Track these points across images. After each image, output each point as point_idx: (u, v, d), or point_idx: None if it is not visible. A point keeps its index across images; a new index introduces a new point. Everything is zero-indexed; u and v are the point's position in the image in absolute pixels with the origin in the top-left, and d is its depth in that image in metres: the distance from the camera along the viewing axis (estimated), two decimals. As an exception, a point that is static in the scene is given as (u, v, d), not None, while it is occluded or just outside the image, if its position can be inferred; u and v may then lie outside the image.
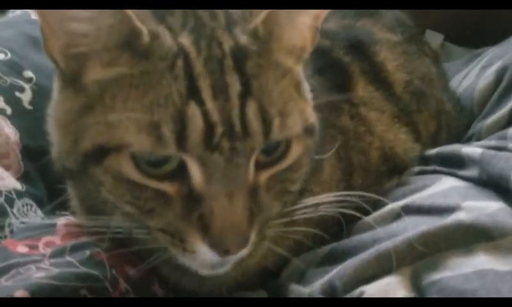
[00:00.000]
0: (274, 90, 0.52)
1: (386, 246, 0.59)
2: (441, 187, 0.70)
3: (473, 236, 0.57)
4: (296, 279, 0.68)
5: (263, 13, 0.53)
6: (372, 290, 0.56)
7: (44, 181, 0.84)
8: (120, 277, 0.64)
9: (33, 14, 1.02)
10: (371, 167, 0.76)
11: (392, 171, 0.79)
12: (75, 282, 0.59)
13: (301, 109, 0.55)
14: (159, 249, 0.58)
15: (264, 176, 0.54)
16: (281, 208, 0.57)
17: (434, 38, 1.52)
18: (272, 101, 0.51)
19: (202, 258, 0.52)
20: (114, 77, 0.51)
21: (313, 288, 0.62)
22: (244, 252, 0.52)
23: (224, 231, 0.50)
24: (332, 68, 0.78)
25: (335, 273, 0.61)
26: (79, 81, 0.53)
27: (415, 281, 0.56)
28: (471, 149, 0.73)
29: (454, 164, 0.75)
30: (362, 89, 0.79)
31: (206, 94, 0.49)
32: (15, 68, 0.86)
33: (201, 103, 0.49)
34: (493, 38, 1.22)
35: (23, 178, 0.80)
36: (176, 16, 0.54)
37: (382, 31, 0.89)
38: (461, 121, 0.97)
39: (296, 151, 0.55)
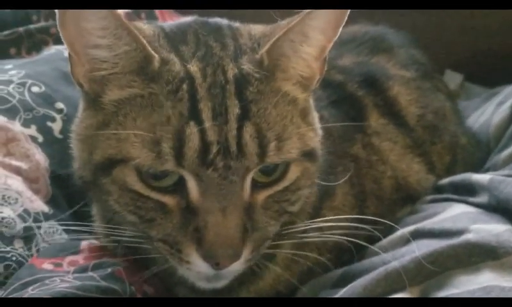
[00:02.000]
0: (273, 115, 0.55)
1: (394, 266, 0.61)
2: (452, 213, 0.72)
3: (480, 255, 0.58)
4: (309, 300, 0.69)
5: (268, 44, 0.57)
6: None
7: (70, 206, 0.88)
8: (138, 293, 0.67)
9: (66, 51, 1.09)
10: (384, 195, 0.77)
11: (405, 200, 0.80)
12: (95, 293, 0.62)
13: (302, 134, 0.58)
14: (161, 259, 0.61)
15: (262, 196, 0.57)
16: (277, 228, 0.59)
17: (454, 78, 1.55)
18: (270, 125, 0.55)
19: (197, 270, 0.56)
20: (128, 97, 0.56)
21: (324, 307, 0.63)
22: (237, 266, 0.55)
23: (216, 244, 0.53)
24: (346, 101, 0.81)
25: (345, 292, 0.62)
26: (99, 101, 0.58)
27: (423, 299, 0.57)
28: (481, 176, 0.75)
29: (465, 191, 0.77)
30: (375, 121, 0.82)
31: (206, 115, 0.53)
32: (47, 100, 0.92)
33: (200, 123, 0.53)
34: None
35: (50, 202, 0.85)
36: (189, 45, 0.59)
37: (396, 67, 0.92)
38: (476, 154, 0.98)
39: (293, 173, 0.58)
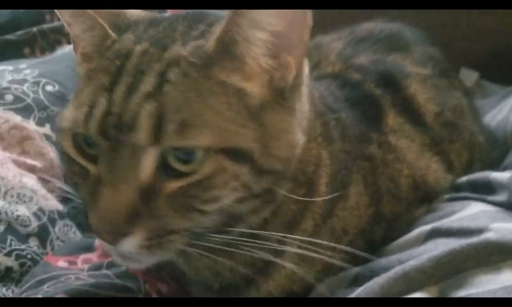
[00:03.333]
0: (190, 100, 0.52)
1: (412, 264, 0.59)
2: (470, 212, 0.70)
3: (500, 254, 0.56)
4: (325, 300, 0.68)
5: (218, 31, 0.54)
6: (397, 306, 0.56)
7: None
8: (152, 291, 0.67)
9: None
10: (401, 194, 0.76)
11: (422, 200, 0.79)
12: (110, 291, 0.62)
13: (230, 129, 0.53)
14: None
15: (173, 185, 0.53)
16: (189, 225, 0.55)
17: (470, 76, 1.53)
18: (179, 108, 0.52)
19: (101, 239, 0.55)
20: (86, 71, 0.58)
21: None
22: (129, 246, 0.53)
23: (100, 217, 0.52)
24: (363, 100, 0.80)
25: (361, 291, 0.61)
26: None
27: (442, 299, 0.56)
28: (500, 175, 0.73)
29: (483, 190, 0.75)
30: (392, 120, 0.80)
31: (119, 88, 0.53)
32: (61, 98, 0.93)
33: (111, 93, 0.53)
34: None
35: (65, 200, 0.85)
36: (157, 28, 0.59)
37: (412, 65, 0.90)
38: (494, 153, 0.96)
39: (207, 168, 0.53)
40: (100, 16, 0.59)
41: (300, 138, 0.60)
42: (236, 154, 0.53)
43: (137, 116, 0.51)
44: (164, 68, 0.54)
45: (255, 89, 0.56)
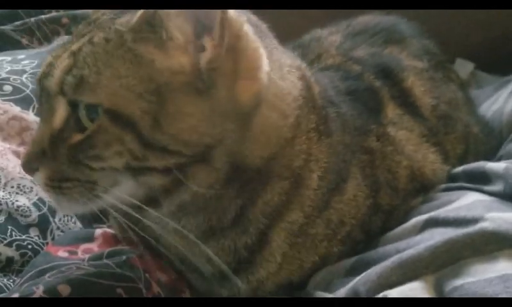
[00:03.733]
0: (96, 61, 0.57)
1: (409, 254, 0.61)
2: (466, 201, 0.71)
3: (496, 243, 0.57)
4: (322, 288, 0.69)
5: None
6: (394, 294, 0.58)
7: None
8: (152, 280, 0.68)
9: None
10: (399, 185, 0.77)
11: (419, 190, 0.80)
12: (111, 281, 0.62)
13: (123, 95, 0.56)
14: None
15: (76, 138, 0.58)
16: (80, 176, 0.59)
17: (465, 66, 1.53)
18: (82, 66, 0.57)
19: None
20: None
21: (338, 295, 0.64)
22: (37, 179, 0.60)
23: (24, 152, 0.62)
24: (364, 91, 0.81)
25: (359, 280, 0.62)
26: None
27: (438, 287, 0.58)
28: (495, 165, 0.74)
29: (479, 180, 0.76)
30: (391, 112, 0.81)
31: (60, 48, 0.61)
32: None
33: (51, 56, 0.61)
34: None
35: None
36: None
37: (409, 58, 0.92)
38: (489, 144, 0.98)
39: (93, 126, 0.57)
40: None
41: (219, 127, 0.59)
42: (119, 118, 0.56)
43: (55, 67, 0.58)
44: (91, 34, 0.59)
45: (166, 64, 0.57)
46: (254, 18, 0.69)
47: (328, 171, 0.69)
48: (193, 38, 0.57)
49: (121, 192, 0.60)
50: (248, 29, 0.61)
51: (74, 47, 0.59)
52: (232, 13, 0.58)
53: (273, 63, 0.65)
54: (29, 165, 0.60)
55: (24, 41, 1.15)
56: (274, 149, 0.65)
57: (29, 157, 0.60)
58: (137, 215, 0.61)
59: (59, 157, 0.59)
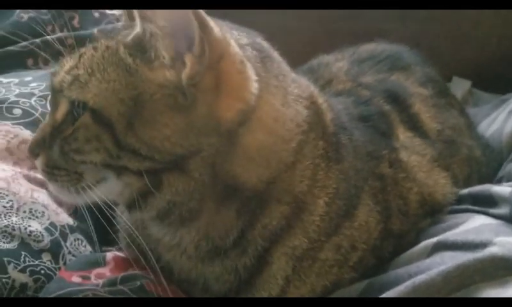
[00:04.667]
0: (93, 66, 0.63)
1: (421, 279, 0.62)
2: (473, 225, 0.73)
3: (506, 269, 0.59)
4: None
5: (137, 30, 0.63)
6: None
7: (92, 217, 0.89)
8: (166, 305, 0.68)
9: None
10: (410, 210, 0.78)
11: (429, 213, 0.81)
12: (129, 307, 0.63)
13: (106, 97, 0.62)
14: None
15: (69, 131, 0.64)
16: (67, 167, 0.65)
17: (462, 85, 1.56)
18: (80, 68, 0.63)
19: None
20: None
21: (351, 320, 0.65)
22: (38, 164, 0.67)
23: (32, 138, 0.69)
24: (375, 115, 0.83)
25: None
26: None
27: (451, 312, 0.59)
28: (501, 189, 0.76)
29: (485, 203, 0.78)
30: (402, 135, 0.84)
31: (66, 59, 0.67)
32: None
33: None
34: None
35: (73, 214, 0.86)
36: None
37: (414, 85, 0.95)
38: (490, 165, 1.00)
39: (78, 122, 0.63)
40: None
41: (195, 139, 0.62)
42: (99, 117, 0.62)
43: (61, 67, 0.66)
44: (96, 43, 0.66)
45: (150, 77, 0.61)
46: (262, 42, 0.71)
47: (337, 197, 0.70)
48: (177, 56, 0.61)
49: (107, 190, 0.66)
50: (235, 49, 0.63)
51: (82, 50, 0.66)
52: (216, 32, 0.60)
53: (275, 88, 0.67)
54: (33, 150, 0.67)
55: (29, 62, 1.16)
56: (273, 172, 0.66)
57: (33, 142, 0.67)
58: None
59: (53, 147, 0.65)
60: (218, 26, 0.62)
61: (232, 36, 0.65)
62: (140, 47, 0.62)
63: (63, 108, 0.65)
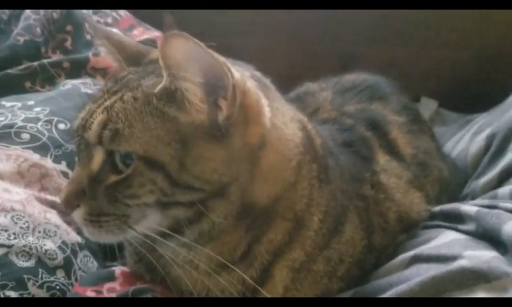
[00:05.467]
0: (127, 116, 0.68)
1: (402, 288, 0.71)
2: (445, 240, 0.83)
3: (474, 279, 0.69)
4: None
5: (164, 82, 0.68)
6: (393, 325, 0.68)
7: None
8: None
9: (82, 87, 1.17)
10: (389, 227, 0.88)
11: (405, 229, 0.91)
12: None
13: (154, 144, 0.67)
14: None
15: (111, 178, 0.68)
16: (117, 212, 0.69)
17: (429, 105, 1.68)
18: (117, 120, 0.67)
19: None
20: None
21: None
22: (76, 217, 0.70)
23: (64, 191, 0.71)
24: (357, 141, 0.93)
25: (360, 312, 0.73)
26: None
27: (428, 318, 0.68)
28: (468, 208, 0.87)
29: (454, 220, 0.88)
30: (382, 158, 0.93)
31: (95, 103, 0.71)
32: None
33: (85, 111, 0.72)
34: (484, 104, 1.38)
35: (80, 232, 0.92)
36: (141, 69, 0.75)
37: (391, 113, 1.05)
38: (457, 183, 1.11)
39: (130, 170, 0.68)
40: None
41: (235, 167, 0.70)
42: (152, 163, 0.67)
43: (92, 121, 0.69)
44: (125, 92, 0.70)
45: (188, 120, 0.68)
46: (257, 73, 0.80)
47: (328, 214, 0.79)
48: (209, 100, 0.68)
49: (148, 224, 0.71)
50: (250, 84, 0.72)
51: (107, 103, 0.69)
52: (236, 76, 0.68)
53: (276, 110, 0.76)
54: (71, 203, 0.69)
55: (27, 85, 1.21)
56: (279, 190, 0.75)
57: (70, 195, 0.69)
58: (153, 244, 0.72)
59: (97, 196, 0.69)
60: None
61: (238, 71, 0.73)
62: (172, 97, 0.68)
63: (99, 158, 0.68)
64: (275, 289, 0.77)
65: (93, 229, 0.70)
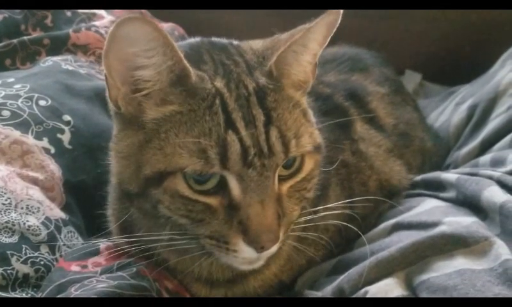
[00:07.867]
0: (288, 118, 0.66)
1: (383, 255, 0.73)
2: (426, 207, 0.84)
3: (453, 244, 0.70)
4: (309, 287, 0.81)
5: (274, 56, 0.68)
6: (374, 290, 0.69)
7: (81, 211, 0.96)
8: (161, 289, 0.76)
9: (63, 64, 1.16)
10: (370, 195, 0.89)
11: (387, 196, 0.92)
12: (132, 291, 0.71)
13: (310, 131, 0.69)
14: (201, 256, 0.71)
15: (285, 186, 0.68)
16: (300, 211, 0.70)
17: (413, 77, 1.69)
18: (288, 127, 0.66)
19: (243, 256, 0.66)
20: (168, 115, 0.65)
21: (325, 292, 0.75)
22: (275, 248, 0.66)
23: (260, 231, 0.63)
24: (335, 110, 0.93)
25: (343, 278, 0.74)
26: (138, 121, 0.67)
27: (408, 282, 0.70)
28: (449, 176, 0.88)
29: (435, 188, 0.90)
30: (360, 127, 0.94)
31: (239, 125, 0.64)
32: (55, 112, 0.99)
33: (237, 132, 0.63)
34: (466, 76, 1.39)
35: (65, 208, 0.92)
36: (208, 64, 0.69)
37: (372, 84, 1.05)
38: (439, 153, 1.12)
39: (308, 165, 0.69)
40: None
41: None
42: (320, 148, 0.71)
43: (270, 142, 0.64)
44: (258, 99, 0.65)
45: (300, 98, 0.71)
46: None
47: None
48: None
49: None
50: None
51: (260, 119, 0.65)
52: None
53: None
54: (277, 236, 0.65)
55: (7, 62, 1.19)
56: None
57: (275, 230, 0.64)
58: None
59: (286, 209, 0.67)
60: None
61: None
62: (285, 75, 0.70)
63: (276, 174, 0.66)
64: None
65: (280, 244, 0.68)
